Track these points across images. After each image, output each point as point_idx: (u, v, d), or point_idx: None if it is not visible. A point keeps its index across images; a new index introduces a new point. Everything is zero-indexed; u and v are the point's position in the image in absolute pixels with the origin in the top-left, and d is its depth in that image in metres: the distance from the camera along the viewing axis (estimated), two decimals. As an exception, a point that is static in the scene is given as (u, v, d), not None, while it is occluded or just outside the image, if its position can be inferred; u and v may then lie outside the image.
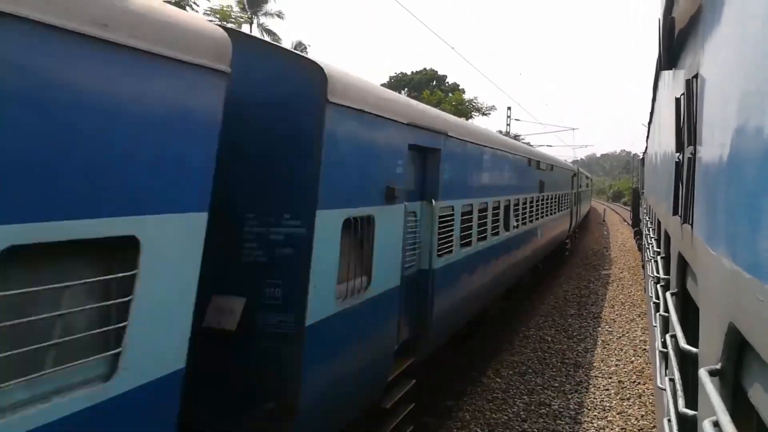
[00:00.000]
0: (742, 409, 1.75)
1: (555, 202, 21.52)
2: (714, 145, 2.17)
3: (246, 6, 47.48)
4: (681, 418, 2.56)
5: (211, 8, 32.85)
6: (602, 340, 14.78)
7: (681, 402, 2.58)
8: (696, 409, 2.36)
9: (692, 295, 3.19)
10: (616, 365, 12.83)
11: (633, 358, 13.21)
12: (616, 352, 13.81)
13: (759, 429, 1.73)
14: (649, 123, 13.74)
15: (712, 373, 1.82)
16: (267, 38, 42.57)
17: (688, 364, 3.14)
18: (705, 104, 2.57)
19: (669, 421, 3.01)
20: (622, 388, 11.42)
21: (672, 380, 3.11)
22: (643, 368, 12.38)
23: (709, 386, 1.68)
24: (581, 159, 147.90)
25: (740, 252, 1.64)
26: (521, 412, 10.03)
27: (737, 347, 1.72)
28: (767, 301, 1.30)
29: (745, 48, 1.75)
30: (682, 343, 2.64)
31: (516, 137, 45.23)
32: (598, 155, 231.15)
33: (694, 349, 2.44)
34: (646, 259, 10.70)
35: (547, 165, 19.59)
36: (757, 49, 1.59)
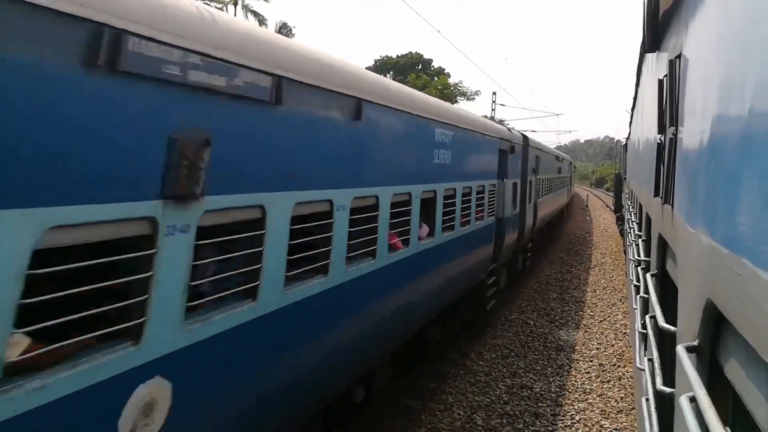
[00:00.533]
0: (719, 384, 1.77)
1: (402, 212, 7.54)
2: (695, 124, 2.17)
3: (230, -13, 46.91)
4: (659, 395, 2.59)
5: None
6: (584, 324, 14.95)
7: (659, 380, 2.61)
8: (673, 387, 2.39)
9: (671, 275, 3.22)
10: (597, 349, 13.00)
11: (614, 342, 13.39)
12: (597, 335, 13.99)
13: (735, 404, 1.75)
14: (633, 108, 13.81)
15: (689, 350, 1.84)
16: (252, 20, 42.06)
17: (667, 343, 3.18)
18: (687, 84, 2.58)
19: (647, 400, 3.04)
20: (603, 371, 11.59)
21: (651, 360, 3.15)
22: (623, 351, 12.55)
23: (686, 362, 1.69)
24: (565, 144, 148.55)
25: (718, 228, 1.64)
26: (503, 395, 10.14)
27: (714, 323, 1.73)
28: (744, 275, 1.31)
29: (726, 28, 1.75)
30: (661, 322, 2.66)
31: (501, 122, 44.95)
32: (582, 141, 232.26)
33: (672, 328, 2.47)
34: (628, 243, 10.80)
35: (319, 94, 5.32)
36: (737, 29, 1.59)
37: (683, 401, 1.63)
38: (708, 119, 1.85)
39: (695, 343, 1.85)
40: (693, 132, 2.21)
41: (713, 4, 2.04)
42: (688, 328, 2.07)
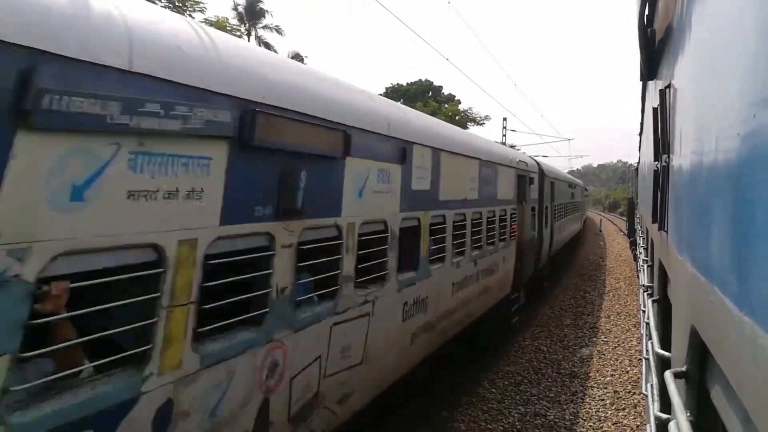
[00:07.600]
0: (707, 411, 1.79)
1: None
2: (680, 153, 2.23)
3: (244, 18, 47.88)
4: (657, 422, 2.60)
5: (207, 19, 32.78)
6: (598, 350, 14.77)
7: (656, 406, 2.61)
8: (669, 413, 2.40)
9: (671, 301, 3.24)
10: (612, 375, 12.82)
11: (628, 368, 13.20)
12: (611, 362, 13.80)
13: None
14: (640, 133, 13.85)
15: (677, 375, 1.86)
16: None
17: (665, 369, 3.18)
18: (676, 113, 2.63)
19: (649, 426, 3.04)
20: (618, 398, 11.41)
21: (652, 386, 3.14)
22: (638, 378, 12.36)
23: (671, 387, 1.72)
24: (578, 169, 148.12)
25: (698, 256, 1.68)
26: (516, 423, 10.01)
27: (699, 350, 1.76)
28: (716, 302, 1.35)
29: (702, 58, 1.81)
30: (657, 348, 2.68)
31: (512, 147, 44.97)
32: (595, 165, 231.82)
33: (666, 354, 2.48)
34: (638, 268, 10.75)
35: None
36: (713, 61, 1.65)
37: (672, 428, 1.65)
38: (688, 149, 1.90)
39: (683, 369, 1.88)
40: (679, 161, 2.26)
41: (693, 35, 2.11)
42: (678, 354, 2.10)
